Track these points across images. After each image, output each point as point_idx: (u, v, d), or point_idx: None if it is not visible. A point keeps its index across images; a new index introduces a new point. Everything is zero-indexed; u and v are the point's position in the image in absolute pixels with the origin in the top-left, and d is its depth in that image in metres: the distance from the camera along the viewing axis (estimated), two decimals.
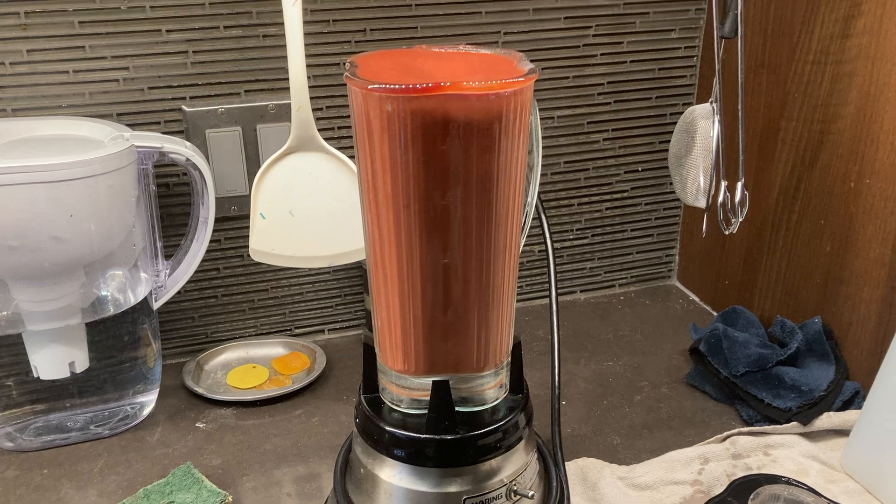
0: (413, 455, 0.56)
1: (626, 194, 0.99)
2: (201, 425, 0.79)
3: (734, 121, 0.80)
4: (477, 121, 0.48)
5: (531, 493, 0.58)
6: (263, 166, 0.67)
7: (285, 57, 0.80)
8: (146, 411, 0.80)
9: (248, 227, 0.86)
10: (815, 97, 0.78)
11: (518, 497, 0.59)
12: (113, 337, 0.75)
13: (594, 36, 0.90)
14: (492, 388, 0.57)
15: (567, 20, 0.88)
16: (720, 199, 0.67)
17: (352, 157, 0.69)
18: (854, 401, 0.76)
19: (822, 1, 0.75)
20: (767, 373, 0.78)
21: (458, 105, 0.47)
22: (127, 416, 0.78)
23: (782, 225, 0.84)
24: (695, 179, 0.68)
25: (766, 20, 0.83)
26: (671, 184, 1.00)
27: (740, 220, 0.67)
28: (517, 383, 0.59)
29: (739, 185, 0.67)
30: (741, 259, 0.92)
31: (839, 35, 0.74)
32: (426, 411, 0.56)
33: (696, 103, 0.97)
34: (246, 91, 0.82)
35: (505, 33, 0.87)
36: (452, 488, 0.56)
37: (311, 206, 0.67)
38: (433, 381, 0.54)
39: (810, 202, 0.80)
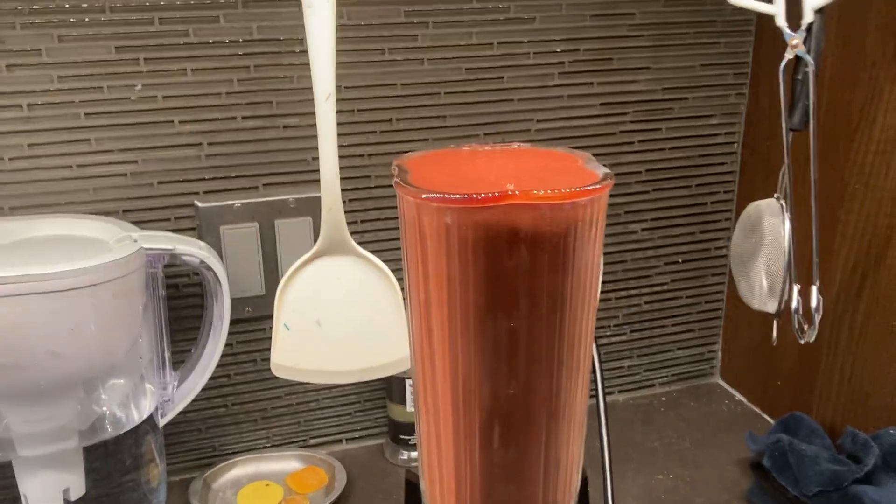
0: None
1: (665, 287, 0.93)
2: None
3: (800, 218, 0.74)
4: (548, 232, 0.42)
5: None
6: (289, 272, 0.61)
7: (307, 149, 0.75)
8: None
9: (262, 330, 0.80)
10: (879, 189, 0.72)
11: None
12: (114, 458, 0.67)
13: (631, 122, 0.85)
14: None
15: (603, 106, 0.83)
16: (794, 304, 0.61)
17: (385, 260, 0.63)
18: None
19: (886, 87, 0.70)
20: (844, 493, 0.70)
21: (527, 215, 0.41)
22: None
23: (844, 325, 0.78)
24: (763, 282, 0.62)
25: (817, 107, 0.78)
26: (714, 275, 0.94)
27: (816, 327, 0.60)
28: None
29: (814, 288, 0.61)
30: (796, 358, 0.85)
31: None
32: None
33: (738, 191, 0.91)
34: (264, 185, 0.76)
35: (538, 121, 0.82)
36: None
37: (341, 315, 0.60)
38: None
39: (878, 301, 0.73)
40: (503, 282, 0.42)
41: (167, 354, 0.70)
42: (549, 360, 0.44)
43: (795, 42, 0.58)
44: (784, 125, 0.58)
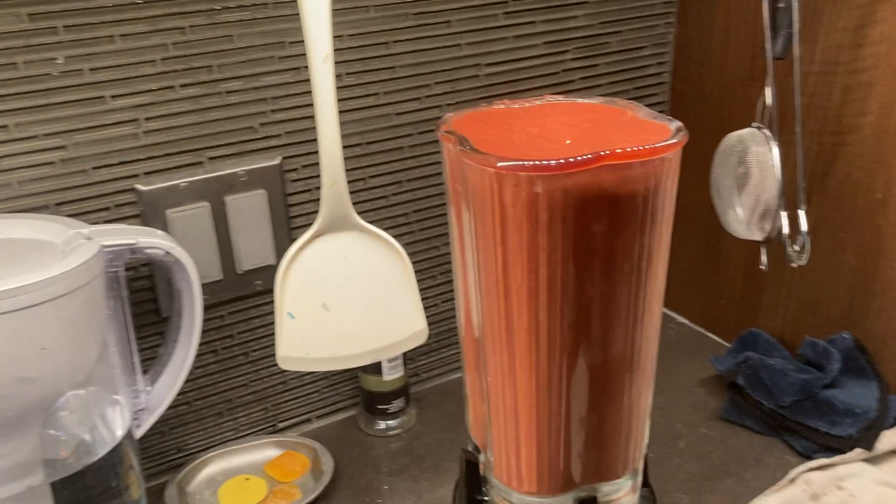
0: None
1: None
2: None
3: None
4: (635, 191, 0.40)
5: None
6: (288, 256, 0.55)
7: (253, 114, 0.69)
8: None
9: (220, 317, 0.73)
10: (823, 109, 0.75)
11: None
12: (95, 478, 0.60)
13: (572, 60, 0.84)
14: (628, 495, 0.49)
15: (546, 45, 0.81)
16: (785, 230, 0.62)
17: (390, 231, 0.58)
18: None
19: (825, 11, 0.72)
20: (815, 399, 0.74)
21: (616, 175, 0.39)
22: None
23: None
24: (752, 210, 0.63)
25: (755, 32, 0.79)
26: None
27: (808, 250, 0.63)
28: (644, 478, 0.51)
29: (802, 213, 0.62)
30: (740, 276, 0.89)
31: (850, 45, 0.71)
32: None
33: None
34: (210, 159, 0.68)
35: (486, 65, 0.78)
36: None
37: (350, 295, 0.56)
38: (578, 500, 0.45)
39: (825, 216, 0.77)
40: (592, 247, 0.40)
41: (136, 359, 0.63)
42: (634, 321, 0.43)
43: None
44: (768, 54, 0.59)
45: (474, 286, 0.45)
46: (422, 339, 0.59)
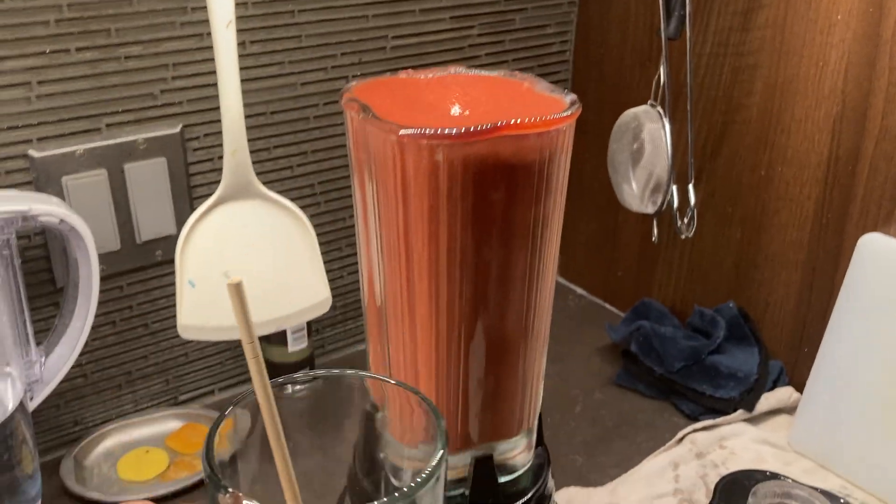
0: None
1: None
2: None
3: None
4: (532, 161, 0.41)
5: None
6: (188, 224, 0.55)
7: (153, 81, 0.67)
8: None
9: (119, 288, 0.72)
10: (713, 89, 0.79)
11: None
12: None
13: (478, 35, 0.85)
14: (523, 453, 0.51)
15: (452, 20, 0.82)
16: (675, 203, 0.66)
17: (296, 202, 0.59)
18: (781, 378, 0.79)
19: None
20: (702, 364, 0.78)
21: (513, 145, 0.40)
22: None
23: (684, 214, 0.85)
24: (645, 185, 0.66)
25: (652, 14, 0.82)
26: None
27: (695, 222, 0.66)
28: (539, 436, 0.54)
29: (690, 187, 0.66)
30: (636, 249, 0.93)
31: (739, 28, 0.75)
32: (452, 492, 0.49)
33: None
34: (108, 125, 0.67)
35: (392, 37, 0.79)
36: None
37: (252, 264, 0.56)
38: (474, 458, 0.47)
39: (715, 191, 0.82)
40: (489, 215, 0.42)
41: (29, 330, 0.61)
42: (526, 282, 0.45)
43: None
44: (663, 34, 0.62)
45: (377, 254, 0.46)
46: (325, 308, 0.59)
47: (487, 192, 0.41)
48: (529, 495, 0.50)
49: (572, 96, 0.43)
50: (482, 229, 0.42)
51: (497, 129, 0.39)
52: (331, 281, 0.63)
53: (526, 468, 0.51)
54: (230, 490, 0.31)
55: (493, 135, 0.39)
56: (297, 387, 0.71)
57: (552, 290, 0.47)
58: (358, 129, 0.42)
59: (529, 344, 0.46)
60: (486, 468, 0.47)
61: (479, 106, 0.45)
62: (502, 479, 0.49)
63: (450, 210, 0.41)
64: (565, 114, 0.41)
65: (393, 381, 0.38)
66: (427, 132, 0.38)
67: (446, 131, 0.38)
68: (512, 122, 0.39)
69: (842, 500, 0.65)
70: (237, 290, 0.31)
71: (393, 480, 0.42)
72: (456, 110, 0.45)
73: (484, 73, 0.49)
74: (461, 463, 0.48)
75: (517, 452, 0.50)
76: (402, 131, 0.39)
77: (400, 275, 0.43)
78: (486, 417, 0.47)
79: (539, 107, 0.43)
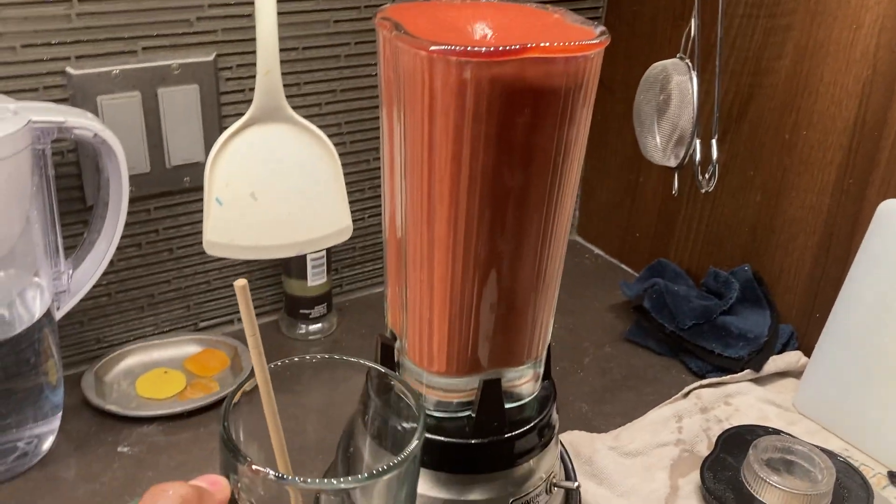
0: (451, 462, 0.50)
1: None
2: (125, 449, 0.67)
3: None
4: (558, 87, 0.42)
5: (576, 483, 0.55)
6: (219, 142, 0.56)
7: (191, 7, 0.68)
8: (46, 444, 0.65)
9: (146, 211, 0.74)
10: (744, 50, 0.79)
11: (555, 489, 0.55)
12: (12, 357, 0.60)
13: None
14: (529, 382, 0.52)
15: None
16: (697, 157, 0.66)
17: (324, 129, 0.60)
18: (790, 342, 0.80)
19: None
20: (713, 324, 0.79)
21: (541, 69, 0.41)
22: (25, 453, 0.64)
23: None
24: (669, 137, 0.67)
25: None
26: None
27: (717, 177, 0.67)
28: (546, 370, 0.55)
29: (714, 141, 0.66)
30: (654, 211, 0.93)
31: None
32: (459, 413, 0.51)
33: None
34: (144, 49, 0.68)
35: None
36: (494, 493, 0.51)
37: (277, 186, 0.57)
38: (483, 381, 0.49)
39: (738, 154, 0.82)
40: (513, 138, 0.42)
41: (60, 241, 0.63)
42: (543, 210, 0.46)
43: None
44: None
45: (400, 181, 0.47)
46: (346, 236, 0.61)
47: (512, 115, 0.42)
48: (533, 423, 0.51)
49: (602, 27, 0.44)
50: (504, 151, 0.43)
51: (526, 49, 0.40)
52: (353, 222, 0.65)
53: (532, 397, 0.53)
54: (248, 459, 0.35)
55: (521, 55, 0.40)
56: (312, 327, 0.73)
57: (569, 220, 0.48)
58: (389, 48, 0.43)
59: (543, 271, 0.47)
60: (493, 391, 0.48)
61: (510, 31, 0.46)
62: (508, 406, 0.51)
63: (474, 130, 0.41)
64: (595, 41, 0.42)
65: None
66: (457, 49, 0.39)
67: (476, 49, 0.39)
68: (541, 45, 0.40)
69: (840, 458, 0.66)
70: (243, 291, 0.34)
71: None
72: (487, 34, 0.46)
73: (515, 2, 0.49)
74: (469, 386, 0.50)
75: (524, 381, 0.52)
76: (433, 47, 0.40)
77: (421, 198, 0.44)
78: (496, 343, 0.49)
79: (569, 35, 0.44)
